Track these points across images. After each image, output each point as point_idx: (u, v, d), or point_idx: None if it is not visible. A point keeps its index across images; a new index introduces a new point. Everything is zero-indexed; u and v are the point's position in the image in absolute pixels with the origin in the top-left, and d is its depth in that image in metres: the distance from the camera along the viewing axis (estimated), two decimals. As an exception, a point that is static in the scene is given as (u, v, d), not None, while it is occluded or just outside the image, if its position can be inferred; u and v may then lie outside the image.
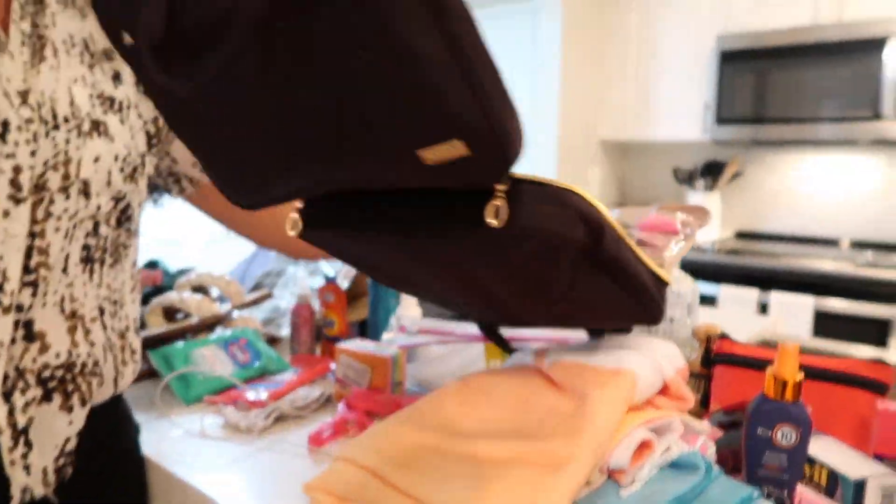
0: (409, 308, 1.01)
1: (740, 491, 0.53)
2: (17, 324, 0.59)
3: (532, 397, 0.62)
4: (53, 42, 0.61)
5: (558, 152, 2.88)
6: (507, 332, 0.83)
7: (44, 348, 0.61)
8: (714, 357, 0.79)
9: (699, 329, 0.86)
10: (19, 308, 0.59)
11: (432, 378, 0.91)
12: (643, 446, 0.56)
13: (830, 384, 0.67)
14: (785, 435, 0.56)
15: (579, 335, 0.81)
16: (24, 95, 0.57)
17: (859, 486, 0.59)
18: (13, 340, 0.59)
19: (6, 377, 0.59)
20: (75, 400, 0.64)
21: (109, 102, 0.65)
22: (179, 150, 0.75)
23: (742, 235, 2.98)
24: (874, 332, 2.18)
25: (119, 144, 0.64)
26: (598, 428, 0.56)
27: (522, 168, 3.11)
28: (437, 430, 0.61)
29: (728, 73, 2.64)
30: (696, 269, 2.54)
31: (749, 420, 0.57)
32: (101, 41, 0.66)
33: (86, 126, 0.61)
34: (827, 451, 0.62)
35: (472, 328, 0.89)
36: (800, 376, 0.56)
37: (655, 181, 3.24)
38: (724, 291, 2.43)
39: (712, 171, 2.92)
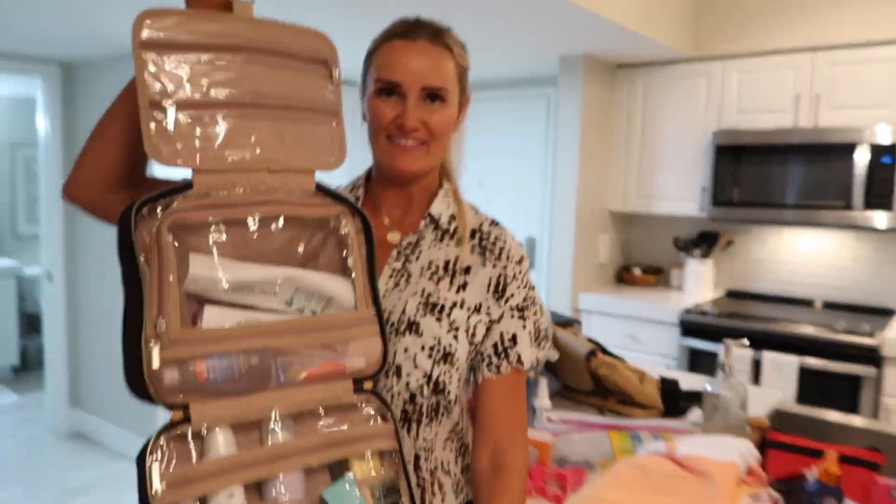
0: (541, 399, 1.42)
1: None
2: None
3: (677, 476, 1.04)
4: (410, 270, 0.97)
5: (575, 219, 3.34)
6: (634, 422, 1.26)
7: None
8: (767, 442, 1.22)
9: (753, 421, 1.29)
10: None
11: (569, 455, 1.32)
12: (746, 509, 0.99)
13: (847, 465, 1.10)
14: (830, 502, 0.99)
15: (681, 426, 1.24)
16: None
17: (867, 529, 1.02)
18: None
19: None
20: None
21: (429, 303, 0.94)
22: None
23: (732, 294, 3.46)
24: (847, 387, 2.65)
25: (428, 337, 0.92)
26: (722, 497, 0.98)
27: (550, 231, 3.57)
28: (620, 494, 1.03)
29: (722, 163, 3.13)
30: (701, 329, 2.99)
31: (809, 493, 1.01)
32: (465, 258, 0.97)
33: (402, 327, 0.92)
34: (848, 508, 1.05)
35: (596, 418, 1.31)
36: (836, 470, 1.00)
37: (657, 247, 3.72)
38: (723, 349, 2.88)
39: (707, 240, 3.41)
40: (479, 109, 4.23)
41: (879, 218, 2.76)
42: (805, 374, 2.71)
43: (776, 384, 2.70)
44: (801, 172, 2.94)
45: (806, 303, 3.25)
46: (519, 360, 0.97)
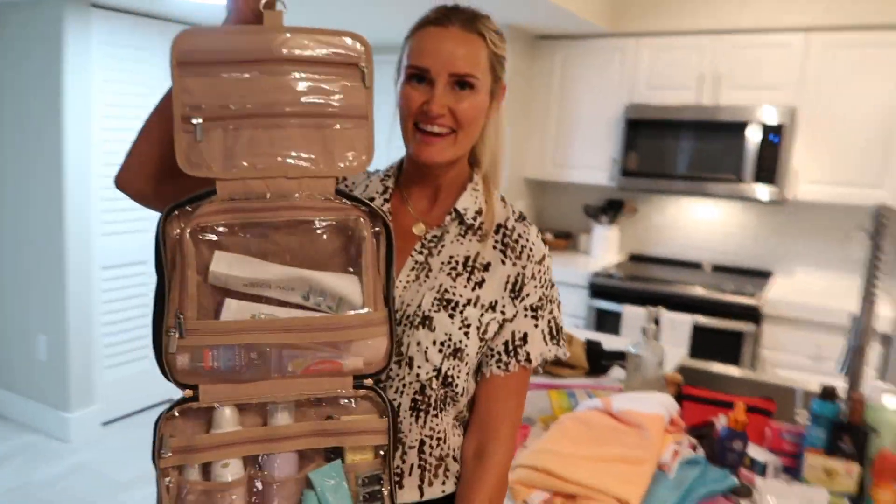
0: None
1: (721, 473, 1.14)
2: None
3: (616, 429, 1.19)
4: (431, 264, 0.97)
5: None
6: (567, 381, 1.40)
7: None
8: (682, 396, 1.41)
9: (669, 377, 1.48)
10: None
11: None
12: (674, 453, 1.16)
13: (749, 413, 1.30)
14: (737, 444, 1.18)
15: (610, 384, 1.40)
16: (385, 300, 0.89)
17: (763, 465, 1.22)
18: None
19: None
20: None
21: (445, 300, 0.94)
22: None
23: (634, 258, 3.74)
24: (731, 341, 2.98)
25: (439, 333, 0.93)
26: (654, 445, 1.15)
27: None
28: (569, 446, 1.17)
29: (632, 136, 3.35)
30: (605, 290, 3.23)
31: (720, 437, 1.19)
32: (486, 254, 0.97)
33: (419, 318, 0.94)
34: (749, 450, 1.25)
35: (534, 378, 1.44)
36: (744, 418, 1.19)
37: (568, 214, 3.94)
38: (626, 310, 3.14)
39: (614, 208, 3.65)
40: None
41: (764, 191, 3.07)
42: (696, 331, 3.01)
43: (671, 341, 2.99)
44: (700, 147, 3.20)
45: (697, 266, 3.57)
46: (527, 358, 0.98)
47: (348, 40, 0.86)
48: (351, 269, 0.89)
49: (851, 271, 3.29)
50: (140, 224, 3.38)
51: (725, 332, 2.98)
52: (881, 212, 1.47)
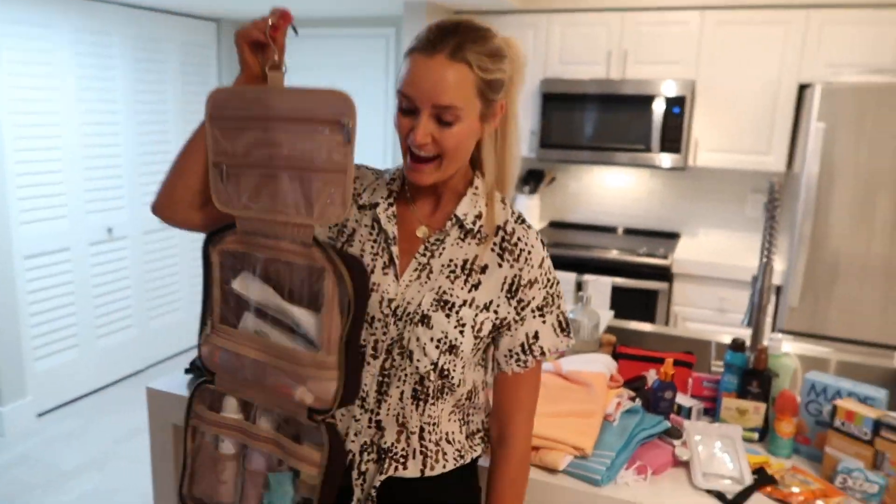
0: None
1: (656, 419, 1.34)
2: (370, 420, 1.06)
3: (567, 388, 1.36)
4: (433, 266, 1.04)
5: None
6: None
7: (381, 437, 1.06)
8: (616, 354, 1.60)
9: (604, 339, 1.67)
10: (373, 412, 1.06)
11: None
12: (617, 405, 1.34)
13: (674, 366, 1.51)
14: (668, 394, 1.38)
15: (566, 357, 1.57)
16: (393, 305, 1.03)
17: (689, 410, 1.43)
18: (369, 427, 1.06)
19: (362, 449, 1.07)
20: (390, 470, 1.06)
21: (442, 300, 1.02)
22: None
23: (553, 224, 3.96)
24: (646, 299, 3.26)
25: (437, 331, 1.01)
26: (600, 398, 1.33)
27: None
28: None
29: (548, 109, 3.53)
30: (530, 257, 3.43)
31: (653, 389, 1.39)
32: (485, 257, 1.04)
33: (418, 316, 1.02)
34: (677, 398, 1.46)
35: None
36: (672, 371, 1.38)
37: (489, 182, 4.10)
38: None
39: (535, 178, 3.85)
40: (317, 46, 4.24)
41: (669, 159, 3.34)
42: (615, 292, 3.28)
43: (595, 303, 3.24)
44: (611, 118, 3.42)
45: (612, 230, 3.84)
46: (542, 352, 1.07)
47: (334, 98, 0.94)
48: (314, 309, 1.01)
49: (747, 229, 3.64)
50: (61, 210, 3.28)
51: (641, 291, 3.25)
52: (774, 184, 1.70)
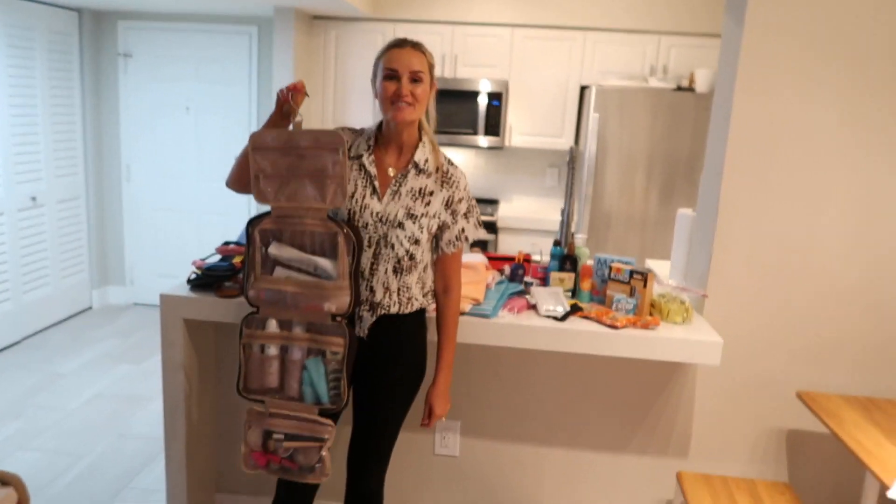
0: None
1: (516, 285, 2.22)
2: (366, 286, 1.74)
3: (464, 270, 2.20)
4: (401, 192, 1.73)
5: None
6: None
7: (374, 296, 1.73)
8: (486, 256, 2.48)
9: (472, 252, 2.54)
10: (368, 281, 1.73)
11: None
12: (492, 278, 2.20)
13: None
14: (520, 271, 2.27)
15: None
16: (379, 215, 1.72)
17: (531, 282, 2.34)
18: (365, 290, 1.78)
19: (360, 302, 1.79)
20: (380, 312, 1.75)
21: (409, 213, 1.71)
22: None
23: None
24: (481, 248, 4.21)
25: (409, 231, 1.69)
26: (482, 275, 2.18)
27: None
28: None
29: (396, 100, 4.35)
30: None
31: (513, 268, 2.27)
32: (430, 185, 1.72)
33: (396, 223, 1.70)
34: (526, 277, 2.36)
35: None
36: (523, 257, 2.28)
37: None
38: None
39: (383, 157, 4.65)
40: (183, 39, 4.64)
41: (490, 141, 4.33)
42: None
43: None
44: (447, 109, 4.33)
45: (447, 199, 4.77)
46: (465, 239, 1.80)
47: (332, 135, 1.65)
48: (333, 258, 1.70)
49: (548, 195, 4.76)
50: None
51: (477, 241, 4.21)
52: (573, 150, 2.67)
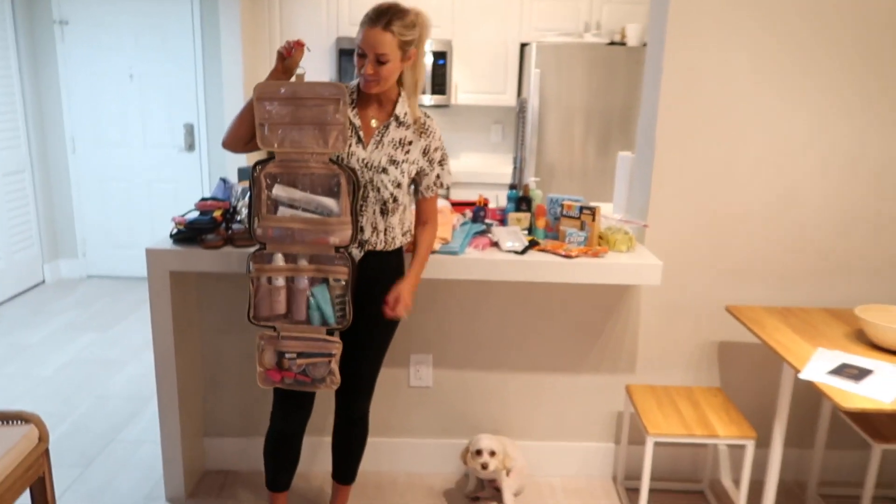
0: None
1: (478, 225, 2.44)
2: (356, 224, 1.96)
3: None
4: (384, 141, 1.92)
5: (238, 108, 4.30)
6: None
7: (363, 234, 1.92)
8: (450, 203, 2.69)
9: (437, 197, 2.74)
10: (357, 221, 1.92)
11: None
12: (457, 220, 2.42)
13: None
14: (481, 213, 2.49)
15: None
16: (365, 161, 1.91)
17: (491, 223, 2.56)
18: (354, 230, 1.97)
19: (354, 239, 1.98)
20: (367, 248, 1.96)
21: (392, 160, 1.91)
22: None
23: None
24: (431, 203, 4.41)
25: (392, 175, 1.88)
26: (448, 217, 2.39)
27: (206, 118, 4.41)
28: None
29: (343, 62, 4.45)
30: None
31: (475, 210, 2.49)
32: (410, 136, 1.92)
33: (380, 168, 1.89)
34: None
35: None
36: (483, 201, 2.50)
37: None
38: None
39: (333, 119, 4.76)
40: (122, 6, 4.59)
41: (436, 99, 4.50)
42: (410, 199, 4.38)
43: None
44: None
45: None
46: (441, 185, 2.03)
47: (334, 87, 1.82)
48: (335, 197, 1.88)
49: (493, 151, 4.98)
50: None
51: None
52: (522, 104, 2.88)
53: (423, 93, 4.47)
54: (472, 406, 2.66)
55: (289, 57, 1.86)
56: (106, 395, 3.28)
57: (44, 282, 4.95)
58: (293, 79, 1.89)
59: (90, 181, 4.89)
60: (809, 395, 2.62)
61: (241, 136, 1.93)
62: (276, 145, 1.86)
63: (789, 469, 2.69)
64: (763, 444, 2.58)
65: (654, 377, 2.63)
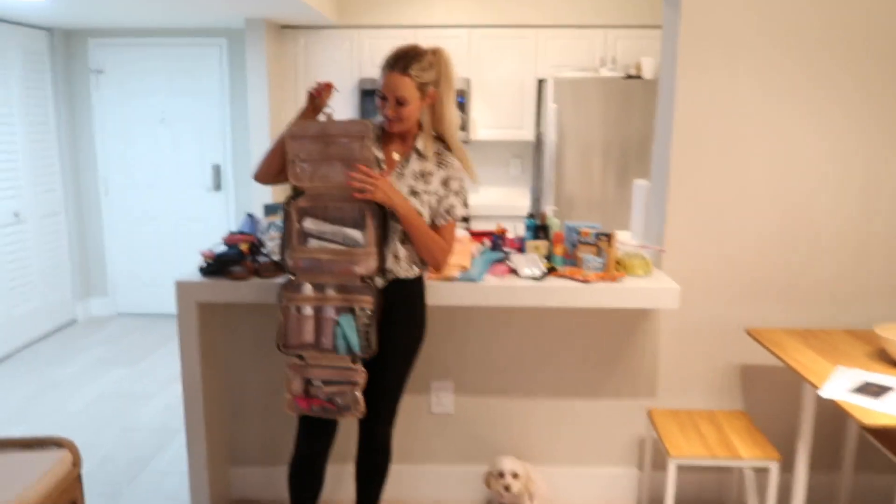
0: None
1: (498, 253, 2.49)
2: (381, 255, 2.04)
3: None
4: (405, 174, 2.00)
5: (264, 148, 4.44)
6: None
7: (385, 262, 1.98)
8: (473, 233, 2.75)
9: (456, 227, 2.80)
10: (383, 251, 2.03)
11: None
12: (477, 249, 2.47)
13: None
14: (500, 241, 2.55)
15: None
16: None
17: (509, 252, 2.61)
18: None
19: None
20: (390, 276, 2.01)
21: (412, 190, 1.97)
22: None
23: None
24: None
25: (414, 206, 1.94)
26: (467, 246, 2.44)
27: (234, 159, 4.56)
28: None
29: (364, 102, 4.59)
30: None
31: (493, 240, 2.55)
32: (430, 167, 1.98)
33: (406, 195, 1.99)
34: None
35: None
36: (502, 231, 2.56)
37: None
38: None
39: (355, 157, 4.89)
40: (153, 53, 4.81)
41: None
42: (430, 233, 4.45)
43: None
44: (413, 108, 4.59)
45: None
46: (454, 215, 2.03)
47: (360, 124, 1.93)
48: (361, 228, 1.95)
49: (513, 185, 5.06)
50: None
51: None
52: (539, 137, 2.96)
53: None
54: (493, 432, 2.67)
55: (318, 98, 1.97)
56: (134, 426, 3.34)
57: (75, 320, 5.08)
58: (322, 117, 2.00)
59: (121, 222, 5.06)
60: (834, 417, 2.60)
61: (272, 171, 2.04)
62: (306, 181, 1.95)
63: (818, 493, 2.65)
64: (788, 468, 2.55)
65: (676, 401, 2.63)
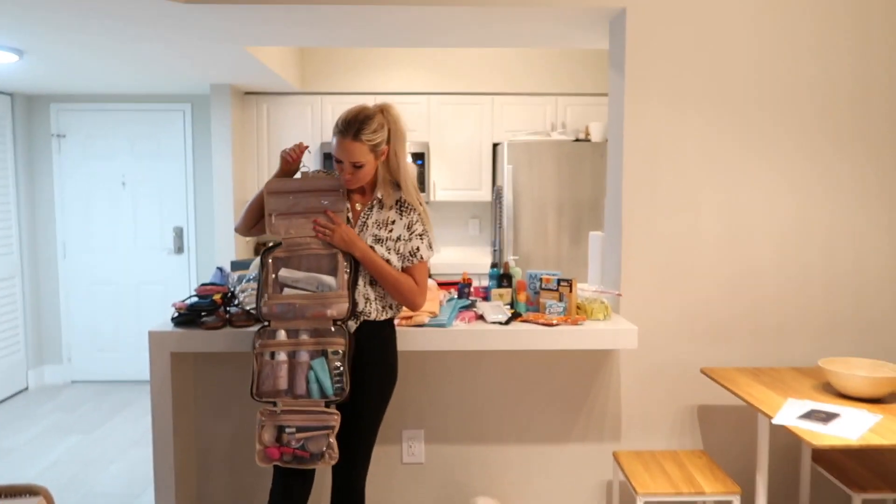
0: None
1: (464, 301, 2.59)
2: (352, 298, 2.12)
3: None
4: (368, 223, 2.11)
5: (233, 208, 4.50)
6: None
7: (356, 306, 2.07)
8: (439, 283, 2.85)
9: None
10: (350, 294, 2.10)
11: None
12: (444, 297, 2.57)
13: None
14: (466, 289, 2.65)
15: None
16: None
17: (475, 300, 2.71)
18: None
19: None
20: (362, 318, 2.09)
21: (377, 238, 2.07)
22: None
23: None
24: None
25: (379, 252, 2.04)
26: (436, 294, 2.54)
27: (195, 220, 4.59)
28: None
29: (327, 166, 4.72)
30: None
31: (460, 288, 2.65)
32: (392, 216, 2.09)
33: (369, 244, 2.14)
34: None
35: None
36: (467, 279, 2.67)
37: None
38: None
39: (318, 218, 4.98)
40: (116, 118, 4.88)
41: (419, 196, 4.76)
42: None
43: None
44: (375, 170, 4.75)
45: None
46: (420, 258, 2.10)
47: (331, 180, 2.08)
48: (334, 274, 2.06)
49: (471, 244, 5.21)
50: None
51: (412, 286, 4.57)
52: (498, 192, 3.12)
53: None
54: (465, 478, 2.70)
55: (294, 161, 2.11)
56: (94, 493, 3.24)
57: (27, 388, 4.91)
58: (298, 175, 2.13)
59: (79, 286, 4.98)
60: (789, 451, 2.72)
61: (249, 224, 2.17)
62: (282, 233, 2.06)
63: (778, 531, 2.74)
64: (749, 501, 2.65)
65: (640, 443, 2.72)
